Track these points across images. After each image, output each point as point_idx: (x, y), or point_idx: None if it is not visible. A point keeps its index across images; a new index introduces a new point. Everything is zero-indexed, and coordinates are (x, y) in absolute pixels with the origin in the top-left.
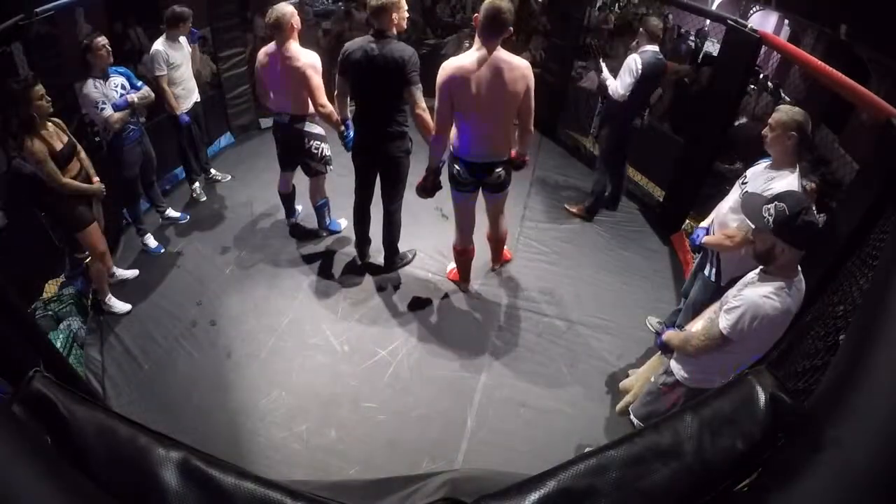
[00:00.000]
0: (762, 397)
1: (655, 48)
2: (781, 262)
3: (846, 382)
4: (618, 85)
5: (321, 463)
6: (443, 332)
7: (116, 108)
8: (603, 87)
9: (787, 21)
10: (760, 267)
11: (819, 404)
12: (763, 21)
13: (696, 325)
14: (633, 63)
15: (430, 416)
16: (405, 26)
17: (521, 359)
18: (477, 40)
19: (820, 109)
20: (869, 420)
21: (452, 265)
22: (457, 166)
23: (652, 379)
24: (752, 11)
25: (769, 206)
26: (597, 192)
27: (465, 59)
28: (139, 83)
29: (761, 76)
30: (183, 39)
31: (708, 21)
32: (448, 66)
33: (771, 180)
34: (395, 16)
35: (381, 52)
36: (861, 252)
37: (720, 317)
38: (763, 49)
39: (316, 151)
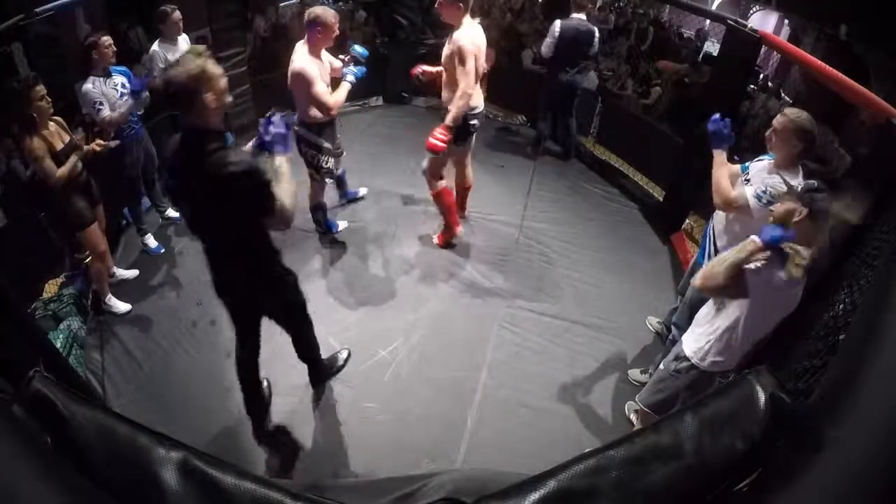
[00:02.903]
0: (762, 397)
1: (581, 16)
2: (796, 232)
3: (846, 382)
4: (543, 46)
5: (321, 463)
6: (443, 331)
7: (137, 91)
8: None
9: (787, 21)
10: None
11: (819, 404)
12: (763, 21)
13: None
14: (555, 27)
15: (430, 416)
16: (227, 101)
17: (521, 359)
18: (468, 16)
19: (820, 109)
20: (869, 420)
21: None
22: (476, 121)
23: (662, 366)
24: (752, 11)
25: (811, 181)
26: (537, 136)
27: (477, 30)
28: (137, 83)
29: (761, 76)
30: (182, 41)
31: (708, 21)
32: (471, 36)
33: (775, 177)
34: (208, 98)
35: (201, 166)
36: (861, 252)
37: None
38: (763, 49)
39: (311, 159)
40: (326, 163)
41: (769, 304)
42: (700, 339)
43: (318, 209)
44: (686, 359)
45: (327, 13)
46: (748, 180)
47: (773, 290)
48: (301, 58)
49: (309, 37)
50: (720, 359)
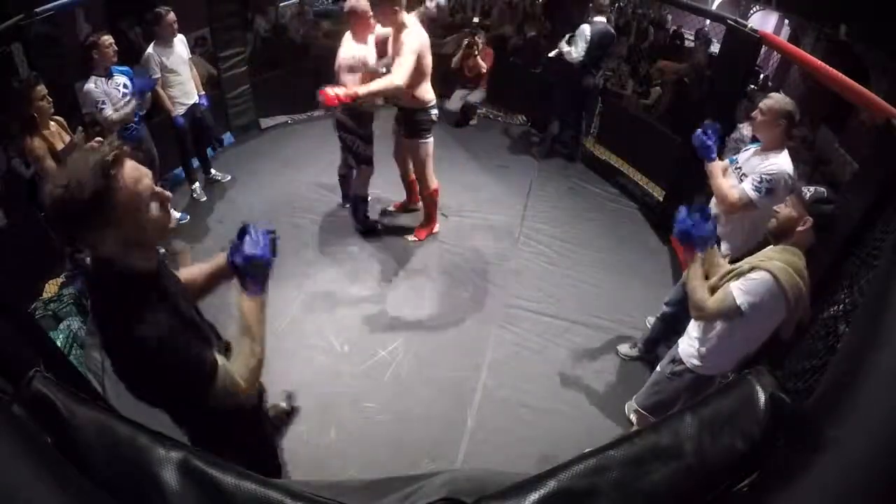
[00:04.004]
0: (762, 397)
1: (603, 20)
2: (796, 238)
3: (846, 382)
4: (572, 50)
5: (321, 463)
6: (443, 332)
7: (142, 91)
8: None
9: (787, 21)
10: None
11: (819, 404)
12: (763, 21)
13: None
14: (585, 31)
15: (430, 416)
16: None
17: (521, 359)
18: (403, 13)
19: (820, 110)
20: (868, 420)
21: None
22: (436, 111)
23: (658, 368)
24: (752, 11)
25: (812, 186)
26: (546, 137)
27: (421, 28)
28: (143, 83)
29: (761, 76)
30: (178, 42)
31: (708, 21)
32: (422, 34)
33: (765, 161)
34: (121, 226)
35: (107, 323)
36: (861, 252)
37: (735, 291)
38: (763, 49)
39: (351, 144)
40: (366, 149)
41: (764, 311)
42: (696, 342)
43: (357, 199)
44: (681, 362)
45: (360, 1)
46: (740, 169)
47: (766, 302)
48: (349, 46)
49: (350, 27)
50: (716, 362)
